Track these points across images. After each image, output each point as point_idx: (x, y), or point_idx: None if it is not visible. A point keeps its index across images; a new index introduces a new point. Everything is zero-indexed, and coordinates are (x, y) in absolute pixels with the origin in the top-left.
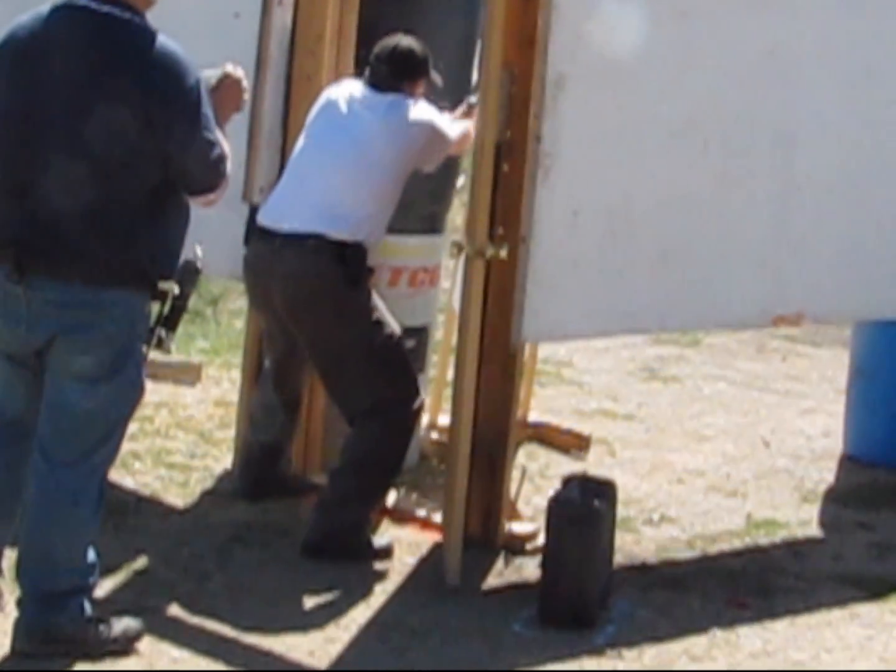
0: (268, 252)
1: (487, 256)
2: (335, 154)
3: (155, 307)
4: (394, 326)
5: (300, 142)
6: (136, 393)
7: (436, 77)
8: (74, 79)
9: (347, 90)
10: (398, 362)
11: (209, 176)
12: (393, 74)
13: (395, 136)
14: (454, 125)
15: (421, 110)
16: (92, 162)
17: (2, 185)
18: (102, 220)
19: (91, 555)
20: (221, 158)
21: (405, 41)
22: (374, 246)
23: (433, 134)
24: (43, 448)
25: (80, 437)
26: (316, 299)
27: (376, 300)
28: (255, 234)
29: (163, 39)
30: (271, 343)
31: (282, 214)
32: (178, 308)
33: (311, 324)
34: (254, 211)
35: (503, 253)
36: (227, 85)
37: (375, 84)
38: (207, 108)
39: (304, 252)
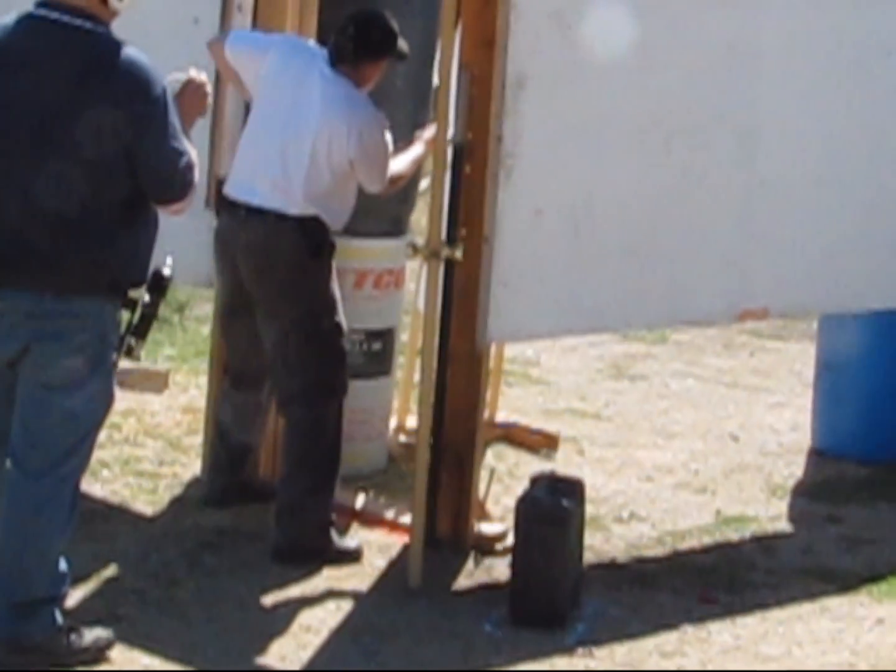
0: (234, 223)
1: (442, 257)
2: (279, 130)
3: (125, 315)
4: (343, 321)
5: (258, 100)
6: (107, 401)
7: (402, 46)
8: (41, 91)
9: (306, 62)
10: (336, 353)
11: (177, 185)
12: (356, 52)
13: (337, 128)
14: (395, 162)
15: (377, 116)
16: (60, 173)
17: None
18: (72, 231)
19: (62, 564)
20: (189, 167)
21: (373, 15)
22: (334, 221)
23: (379, 145)
24: (15, 457)
25: (52, 446)
26: (276, 267)
27: (335, 288)
28: (223, 205)
29: (128, 50)
30: (230, 325)
31: (245, 187)
32: (148, 316)
33: (269, 291)
34: (220, 183)
35: (458, 254)
36: (190, 90)
37: (335, 62)
38: (174, 118)
39: (267, 224)
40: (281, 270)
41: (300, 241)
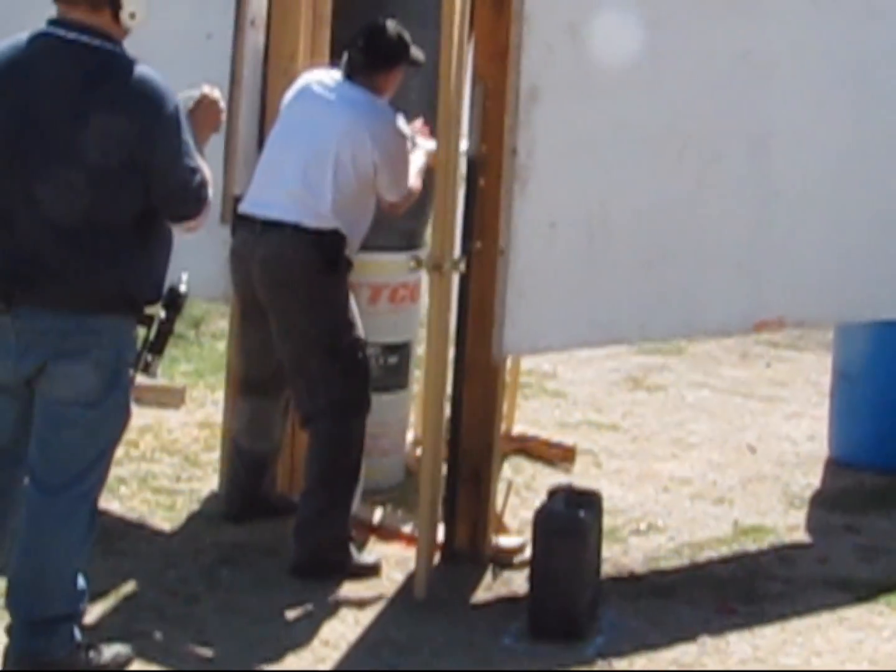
0: (250, 237)
1: (445, 270)
2: (301, 145)
3: (141, 332)
4: (363, 335)
5: (275, 126)
6: (124, 417)
7: (416, 54)
8: (54, 109)
9: (323, 79)
10: (358, 368)
11: (191, 203)
12: (368, 64)
13: (360, 136)
14: (413, 175)
15: (398, 123)
16: (75, 191)
17: None
18: (88, 249)
19: (81, 581)
20: (203, 184)
21: (381, 26)
22: (354, 235)
23: (400, 152)
24: (34, 474)
25: (70, 463)
26: (292, 283)
27: (353, 303)
28: (239, 222)
29: (141, 67)
30: (246, 339)
31: (261, 202)
32: (164, 332)
33: (286, 308)
34: (237, 201)
35: (462, 266)
36: (204, 106)
37: (351, 74)
38: (187, 135)
39: (283, 237)
40: (297, 284)
41: (316, 255)
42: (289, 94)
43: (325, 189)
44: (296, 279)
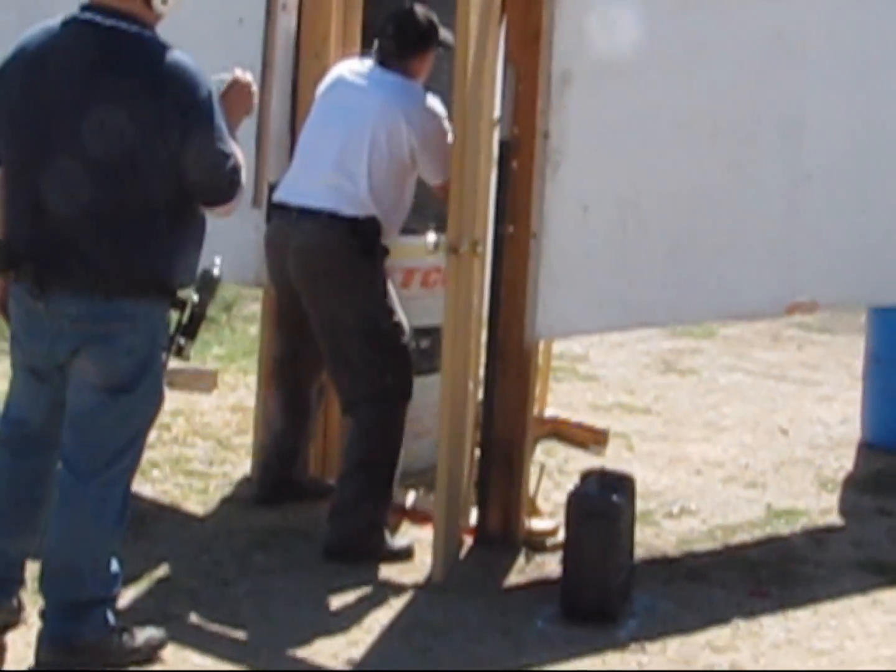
0: (285, 225)
1: (462, 253)
2: (336, 132)
3: (174, 315)
4: (403, 319)
5: (309, 117)
6: (157, 401)
7: (446, 36)
8: (86, 94)
9: (356, 67)
10: (400, 354)
11: (224, 187)
12: (400, 49)
13: (395, 119)
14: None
15: (430, 102)
16: (106, 176)
17: (18, 203)
18: (119, 233)
19: (114, 565)
20: (236, 169)
21: (409, 11)
22: (391, 222)
23: (437, 133)
24: (67, 459)
25: (103, 448)
26: (328, 271)
27: (390, 288)
28: (274, 211)
29: (174, 52)
30: (282, 326)
31: (297, 190)
32: (197, 316)
33: (322, 296)
34: (272, 190)
35: (480, 249)
36: (236, 90)
37: (383, 61)
38: (220, 120)
39: (319, 225)
40: (334, 272)
41: (353, 242)
42: (322, 85)
43: (361, 174)
44: (332, 267)
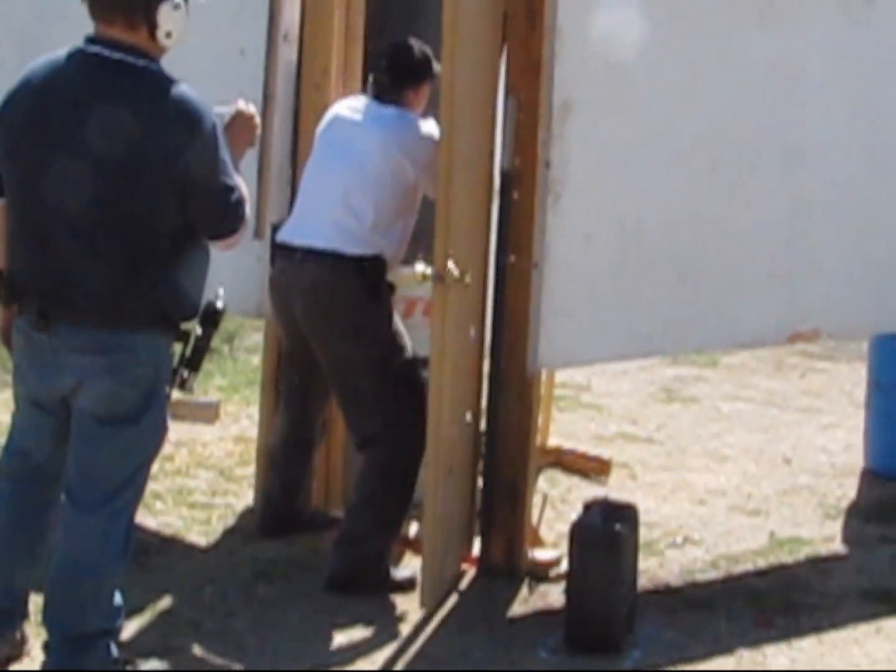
0: (289, 267)
1: (448, 282)
2: (339, 169)
3: (177, 347)
4: (413, 353)
5: (310, 158)
6: (161, 433)
7: (438, 67)
8: (92, 126)
9: (352, 104)
10: (412, 389)
11: (229, 221)
12: (394, 83)
13: (396, 154)
14: None
15: (425, 127)
16: (111, 209)
17: (21, 234)
18: (123, 265)
19: (117, 597)
20: (240, 202)
21: (402, 45)
22: (396, 254)
23: (433, 154)
24: (70, 490)
25: (107, 479)
26: (335, 312)
27: (398, 324)
28: (277, 252)
29: (180, 86)
30: (290, 365)
31: (300, 231)
32: (201, 348)
33: (330, 338)
34: (275, 230)
35: (467, 279)
36: (239, 121)
37: (378, 95)
38: (225, 153)
39: (324, 265)
40: (340, 313)
41: (358, 283)
42: (321, 125)
43: (366, 209)
44: (339, 309)
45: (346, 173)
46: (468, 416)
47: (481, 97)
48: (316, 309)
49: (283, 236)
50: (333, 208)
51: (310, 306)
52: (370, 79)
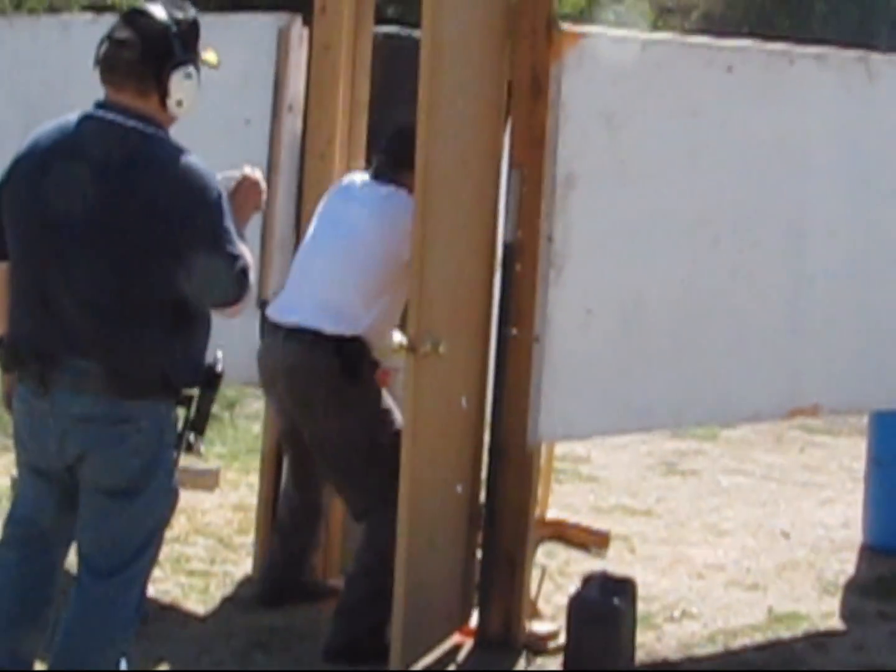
0: (273, 344)
1: (422, 353)
2: (329, 249)
3: (181, 412)
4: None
5: (306, 235)
6: (171, 499)
7: None
8: (97, 192)
9: (351, 183)
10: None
11: (233, 290)
12: (391, 164)
13: (385, 229)
14: None
15: (408, 219)
16: (114, 276)
17: (23, 301)
18: (125, 333)
19: (123, 664)
20: (244, 271)
21: (402, 128)
22: (378, 339)
23: None
24: (84, 559)
25: (119, 549)
26: (314, 392)
27: (387, 400)
28: (266, 328)
29: (188, 156)
30: (285, 440)
31: (287, 308)
32: (204, 411)
33: (312, 417)
34: (264, 305)
35: (441, 349)
36: (245, 187)
37: (377, 175)
38: (229, 222)
39: (303, 344)
40: (322, 395)
41: (337, 362)
42: (320, 204)
43: (351, 285)
44: (319, 391)
45: (335, 249)
46: (458, 488)
47: (475, 167)
48: (298, 390)
49: (270, 312)
50: (320, 285)
51: (292, 387)
52: (374, 159)
